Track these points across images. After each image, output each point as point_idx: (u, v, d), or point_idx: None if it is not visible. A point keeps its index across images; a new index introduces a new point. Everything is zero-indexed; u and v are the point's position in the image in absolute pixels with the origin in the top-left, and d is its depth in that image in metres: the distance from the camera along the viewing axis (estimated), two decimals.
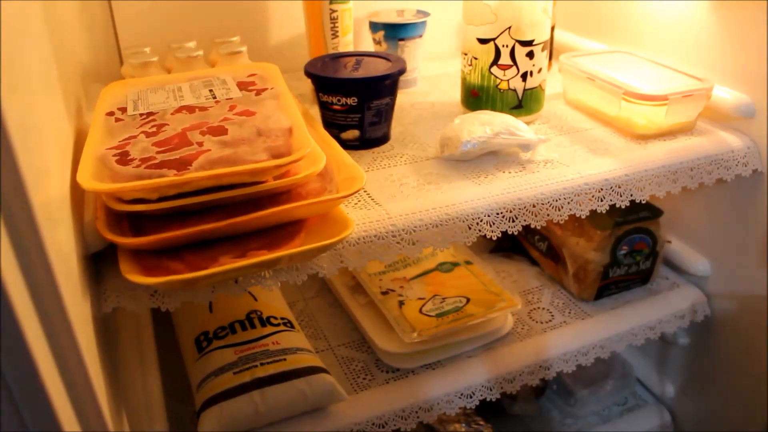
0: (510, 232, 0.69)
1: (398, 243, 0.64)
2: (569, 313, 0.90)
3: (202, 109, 0.65)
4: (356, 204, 0.67)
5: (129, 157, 0.56)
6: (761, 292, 0.87)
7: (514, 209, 0.69)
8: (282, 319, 0.81)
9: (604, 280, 0.90)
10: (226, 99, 0.67)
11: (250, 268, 0.55)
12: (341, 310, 0.91)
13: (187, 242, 0.56)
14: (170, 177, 0.53)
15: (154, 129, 0.61)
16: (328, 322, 0.90)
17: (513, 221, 0.69)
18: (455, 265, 0.91)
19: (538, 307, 0.92)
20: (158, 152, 0.57)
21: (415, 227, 0.65)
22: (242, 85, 0.70)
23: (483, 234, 0.68)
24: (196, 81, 0.73)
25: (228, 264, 0.54)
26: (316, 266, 0.62)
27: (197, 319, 0.81)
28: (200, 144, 0.58)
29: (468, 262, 0.91)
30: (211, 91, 0.69)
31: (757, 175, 0.83)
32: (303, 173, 0.58)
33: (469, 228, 0.67)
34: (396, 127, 0.84)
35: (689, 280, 0.97)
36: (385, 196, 0.68)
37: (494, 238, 0.68)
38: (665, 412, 1.07)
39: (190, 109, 0.65)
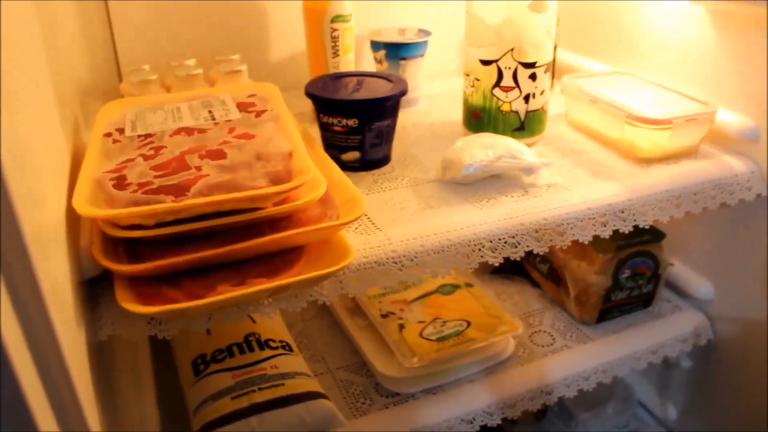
0: (512, 258, 0.68)
1: (399, 269, 0.63)
2: (571, 336, 0.89)
3: (201, 131, 0.64)
4: (357, 229, 0.66)
5: (126, 182, 0.55)
6: (764, 315, 0.86)
7: (516, 235, 0.68)
8: (280, 342, 0.80)
9: (605, 303, 0.89)
10: (226, 121, 0.66)
11: (248, 297, 0.54)
12: (340, 332, 0.90)
13: (184, 269, 0.55)
14: (167, 203, 0.52)
15: (152, 152, 0.60)
16: (327, 345, 0.89)
17: (515, 247, 0.68)
18: (456, 287, 0.90)
19: (539, 330, 0.91)
20: (156, 176, 0.56)
21: (416, 253, 0.64)
22: (242, 106, 0.70)
23: (485, 260, 0.67)
24: (195, 101, 0.72)
25: (226, 293, 0.53)
26: (316, 293, 0.61)
27: (195, 341, 0.80)
28: (199, 168, 0.57)
29: (468, 285, 0.90)
30: (210, 112, 0.68)
31: (761, 199, 0.83)
32: (303, 199, 0.57)
33: (471, 254, 0.66)
34: (397, 148, 0.83)
35: (692, 303, 0.96)
36: (385, 221, 0.67)
37: (496, 265, 0.67)
38: None
39: (189, 131, 0.64)
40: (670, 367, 1.01)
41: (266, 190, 0.54)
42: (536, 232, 0.69)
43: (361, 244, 0.63)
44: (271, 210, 0.56)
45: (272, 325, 0.83)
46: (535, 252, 0.69)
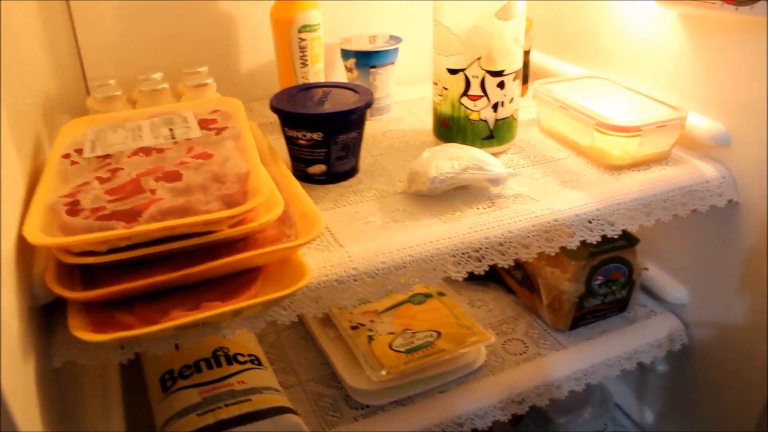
0: (476, 273, 0.68)
1: (360, 287, 0.63)
2: (544, 344, 0.89)
3: (160, 151, 0.63)
4: (318, 246, 0.66)
5: (79, 207, 0.55)
6: (739, 320, 0.86)
7: (480, 249, 0.68)
8: (249, 356, 0.80)
9: (579, 310, 0.88)
10: (185, 139, 0.66)
11: (202, 321, 0.54)
12: (312, 343, 0.89)
13: (138, 294, 0.55)
14: (118, 230, 0.51)
15: (108, 174, 0.60)
16: (298, 356, 0.88)
17: (479, 261, 0.68)
18: (427, 296, 0.89)
19: (513, 338, 0.90)
20: (110, 201, 0.55)
21: (377, 270, 0.63)
22: (203, 123, 0.69)
23: (448, 275, 0.67)
24: (157, 118, 0.71)
25: (180, 318, 0.53)
26: (275, 314, 0.60)
27: (163, 357, 0.79)
28: (153, 191, 0.56)
29: (441, 294, 0.90)
30: (171, 130, 0.68)
31: (733, 204, 0.82)
32: (259, 221, 0.56)
33: (434, 269, 0.66)
34: (366, 158, 0.83)
35: (667, 307, 0.95)
36: (348, 236, 0.67)
37: (460, 279, 0.67)
38: None
39: (147, 151, 0.63)
40: (647, 371, 1.01)
41: (218, 214, 0.53)
42: (501, 245, 0.69)
43: (321, 262, 0.63)
44: (225, 233, 0.55)
45: (242, 338, 0.83)
46: (499, 265, 0.69)
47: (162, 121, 0.70)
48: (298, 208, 0.64)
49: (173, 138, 0.66)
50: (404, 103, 1.01)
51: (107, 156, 0.63)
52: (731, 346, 0.88)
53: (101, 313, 0.54)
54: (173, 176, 0.59)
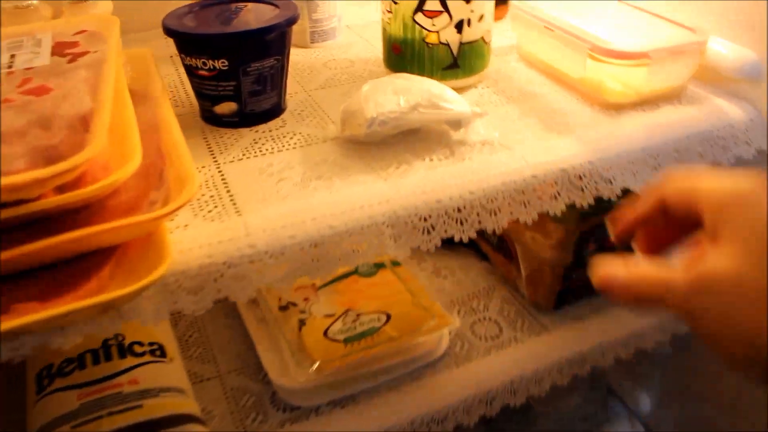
0: (424, 249, 0.51)
1: (257, 272, 0.46)
2: (521, 325, 0.73)
3: None
4: (210, 212, 0.49)
5: None
6: None
7: (430, 216, 0.51)
8: (150, 344, 0.64)
9: (564, 284, 0.72)
10: (25, 69, 0.48)
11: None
12: (240, 322, 0.73)
13: None
14: None
15: None
16: (221, 340, 0.72)
17: (428, 233, 0.51)
18: (379, 266, 0.73)
19: (484, 318, 0.74)
20: None
21: (284, 248, 0.46)
22: (59, 48, 0.52)
23: (385, 252, 0.50)
24: (6, 41, 0.54)
25: None
26: (134, 313, 0.44)
27: None
28: None
29: (395, 263, 0.73)
30: (13, 56, 0.50)
31: (762, 154, 0.65)
32: (100, 183, 0.39)
33: (366, 246, 0.49)
34: (297, 94, 0.66)
35: None
36: (252, 200, 0.50)
37: (399, 259, 0.50)
38: (639, 427, 0.91)
39: None
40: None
41: (16, 178, 0.36)
42: (458, 212, 0.52)
43: (208, 237, 0.46)
44: (46, 202, 0.38)
45: None
46: (456, 238, 0.52)
47: (8, 45, 0.53)
48: (176, 164, 0.47)
49: (10, 67, 0.49)
50: (356, 27, 0.83)
51: None
52: None
53: None
54: None
